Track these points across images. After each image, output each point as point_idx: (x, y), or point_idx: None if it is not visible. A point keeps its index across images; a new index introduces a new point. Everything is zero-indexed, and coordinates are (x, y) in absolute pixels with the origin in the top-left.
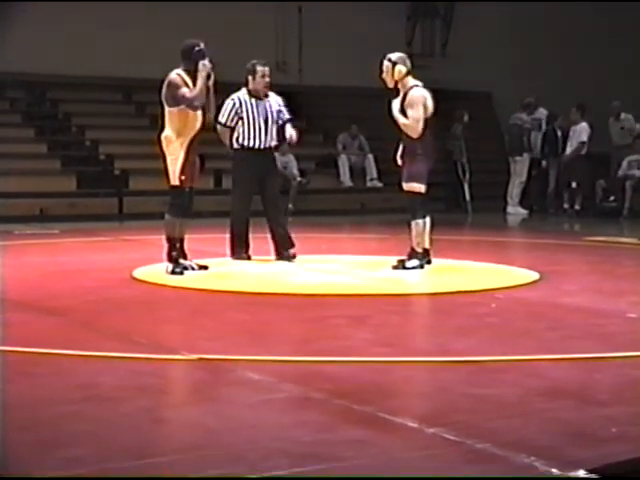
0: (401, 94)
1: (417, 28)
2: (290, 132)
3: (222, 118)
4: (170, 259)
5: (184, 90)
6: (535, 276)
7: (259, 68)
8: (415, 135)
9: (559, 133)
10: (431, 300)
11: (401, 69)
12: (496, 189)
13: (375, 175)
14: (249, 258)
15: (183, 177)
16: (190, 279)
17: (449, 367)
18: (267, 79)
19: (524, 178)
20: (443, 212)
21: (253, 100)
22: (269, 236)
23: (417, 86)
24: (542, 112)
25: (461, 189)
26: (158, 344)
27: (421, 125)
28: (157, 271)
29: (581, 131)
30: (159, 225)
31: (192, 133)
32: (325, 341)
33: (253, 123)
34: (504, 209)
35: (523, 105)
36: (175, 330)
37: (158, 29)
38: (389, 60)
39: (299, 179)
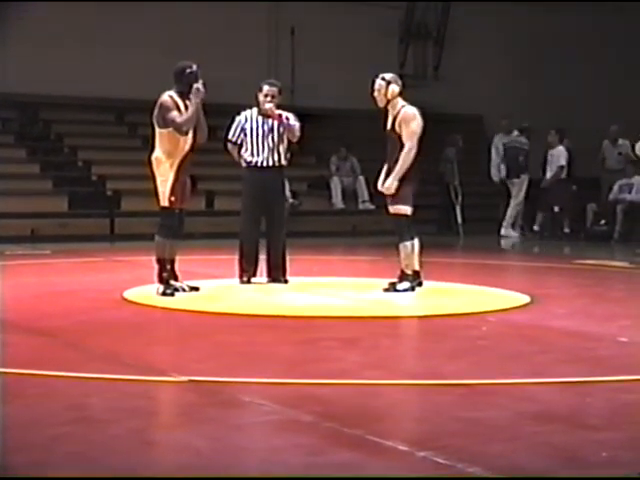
0: (391, 115)
1: (410, 50)
2: (294, 122)
3: (230, 135)
4: (161, 280)
5: (174, 114)
6: (526, 299)
7: (264, 87)
8: (414, 152)
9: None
10: (422, 323)
11: (394, 89)
12: (487, 212)
13: (367, 197)
14: (249, 282)
15: (173, 198)
16: (181, 300)
17: (440, 390)
18: (269, 99)
19: (521, 199)
20: (434, 235)
21: (260, 117)
22: (264, 257)
23: (409, 105)
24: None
25: (453, 212)
26: (148, 366)
27: (416, 140)
28: (148, 292)
29: (559, 155)
30: (150, 246)
31: (182, 154)
32: (316, 363)
33: (257, 139)
34: (498, 232)
35: (520, 129)
36: (165, 352)
37: (151, 50)
38: (383, 79)
39: (291, 201)
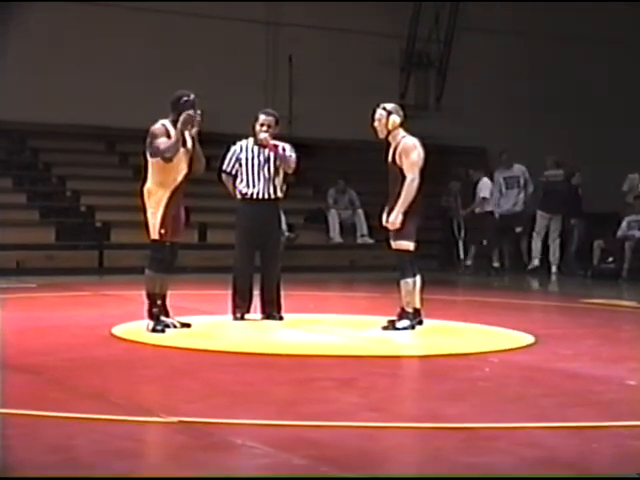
0: (391, 147)
1: (411, 80)
2: (290, 153)
3: (224, 165)
4: (151, 316)
5: (160, 141)
6: (530, 339)
7: (260, 117)
8: (416, 183)
9: (579, 191)
10: (422, 363)
11: (395, 119)
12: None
13: (365, 231)
14: (242, 318)
15: (163, 231)
16: (171, 337)
17: (440, 434)
18: (264, 129)
19: (558, 234)
20: (436, 271)
21: (256, 148)
22: (258, 293)
23: (410, 136)
24: (520, 168)
25: (456, 247)
26: (136, 405)
27: (417, 170)
28: (137, 328)
29: (482, 187)
30: (141, 280)
31: (174, 185)
32: (310, 404)
33: (252, 170)
34: (525, 267)
35: (556, 162)
36: (154, 391)
37: (145, 77)
38: (384, 109)
39: (287, 234)
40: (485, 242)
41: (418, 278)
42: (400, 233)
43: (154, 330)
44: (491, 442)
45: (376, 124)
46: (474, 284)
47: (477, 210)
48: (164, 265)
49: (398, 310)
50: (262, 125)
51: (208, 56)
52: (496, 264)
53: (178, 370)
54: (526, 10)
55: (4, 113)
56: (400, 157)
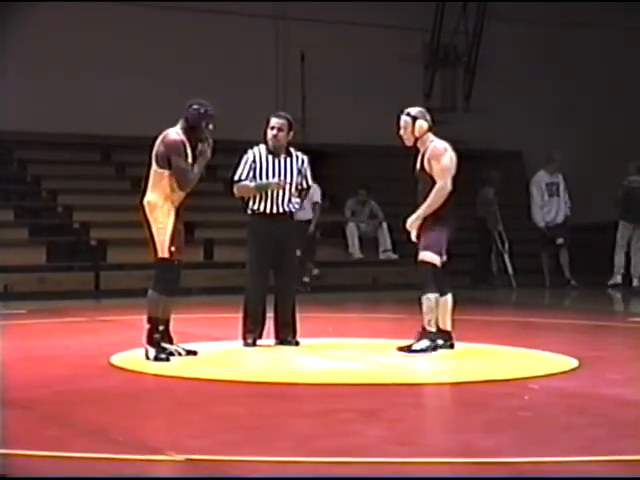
0: (420, 152)
1: (437, 78)
2: (295, 201)
3: (237, 175)
4: (151, 342)
5: (186, 166)
6: (574, 363)
7: (271, 119)
8: (446, 191)
9: None
10: (454, 390)
11: (422, 124)
12: (531, 261)
13: (389, 246)
14: (254, 344)
15: (173, 248)
16: (176, 367)
17: (476, 469)
18: (275, 132)
19: None
20: (467, 288)
21: (270, 157)
22: (272, 316)
23: (439, 140)
24: (559, 175)
25: (502, 261)
26: (140, 442)
27: (449, 178)
28: (138, 357)
29: (314, 192)
30: (141, 304)
31: (180, 199)
32: (331, 438)
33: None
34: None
35: (638, 168)
36: (159, 426)
37: (142, 80)
38: (408, 115)
39: (316, 271)
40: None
41: (450, 297)
42: (427, 244)
43: (157, 359)
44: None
45: (402, 132)
46: (511, 302)
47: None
48: (171, 287)
49: (418, 329)
50: (272, 128)
51: (211, 55)
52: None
53: (184, 403)
54: None
55: None
56: (430, 163)
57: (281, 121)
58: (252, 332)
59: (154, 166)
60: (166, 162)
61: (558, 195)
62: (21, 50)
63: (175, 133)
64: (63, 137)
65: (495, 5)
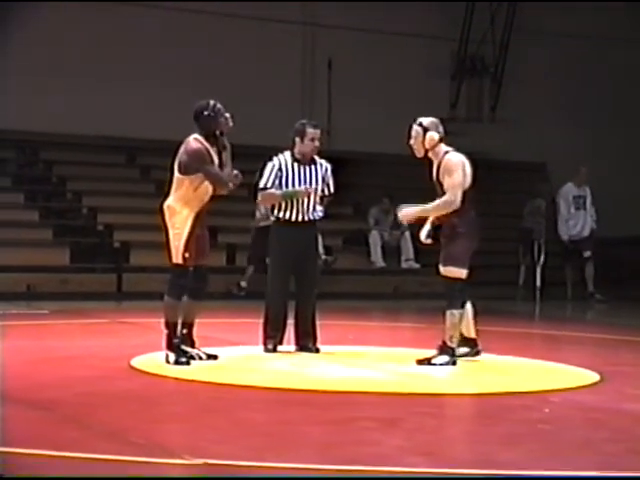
0: (435, 164)
1: (463, 88)
2: (319, 209)
3: (263, 182)
4: (171, 347)
5: (216, 170)
6: (595, 377)
7: (309, 130)
8: (453, 207)
9: None
10: (474, 402)
11: (433, 136)
12: (554, 274)
13: (412, 255)
14: (274, 350)
15: (187, 255)
16: (197, 371)
17: None
18: (317, 143)
19: None
20: (510, 299)
21: (296, 165)
22: (293, 322)
23: (453, 151)
24: (586, 188)
25: (532, 273)
26: (158, 446)
27: (459, 194)
28: (159, 360)
29: None
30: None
31: (201, 204)
32: (350, 447)
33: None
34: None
35: None
36: (178, 430)
37: (168, 83)
38: (420, 125)
39: (324, 257)
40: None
41: (469, 305)
42: (451, 257)
43: (178, 362)
44: None
45: (412, 142)
46: (533, 315)
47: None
48: (193, 292)
49: (439, 343)
50: (312, 139)
51: (238, 61)
52: (243, 283)
53: (204, 407)
54: (592, 9)
55: (15, 123)
56: (443, 176)
57: (319, 132)
58: (272, 338)
59: (176, 172)
60: (190, 169)
61: (585, 208)
62: (49, 52)
63: (196, 141)
64: (89, 139)
65: (523, 16)
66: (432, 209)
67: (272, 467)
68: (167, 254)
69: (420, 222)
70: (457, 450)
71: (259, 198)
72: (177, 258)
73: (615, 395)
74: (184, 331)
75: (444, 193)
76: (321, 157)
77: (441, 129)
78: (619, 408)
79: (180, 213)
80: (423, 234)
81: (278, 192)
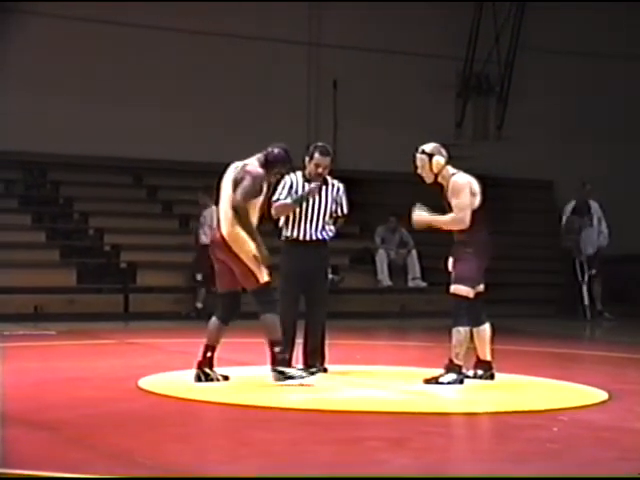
0: (445, 186)
1: (468, 107)
2: (329, 229)
3: (275, 197)
4: (278, 363)
5: (254, 191)
6: (604, 395)
7: (316, 156)
8: (462, 226)
9: None
10: (482, 420)
11: (439, 160)
12: (556, 292)
13: (418, 274)
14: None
15: (267, 270)
16: (203, 391)
17: None
18: (319, 170)
19: None
20: (553, 317)
21: (307, 185)
22: (301, 342)
23: (459, 173)
24: (594, 205)
25: (579, 291)
26: (165, 467)
27: (468, 213)
28: (166, 381)
29: (212, 215)
30: (170, 327)
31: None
32: (358, 467)
33: (300, 211)
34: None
35: None
36: (184, 450)
37: (173, 104)
38: (423, 152)
39: (331, 276)
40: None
41: (487, 326)
42: (459, 276)
43: (287, 377)
44: None
45: (419, 171)
46: (541, 333)
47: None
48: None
49: (446, 361)
50: (317, 166)
51: (243, 81)
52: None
53: (211, 428)
54: (598, 27)
55: (23, 144)
56: (452, 198)
57: (326, 160)
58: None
59: (232, 198)
60: (251, 196)
61: (592, 226)
62: (56, 72)
63: (257, 166)
64: (96, 160)
65: (527, 35)
66: (443, 222)
67: None
68: (246, 282)
69: (426, 230)
70: (466, 469)
71: (273, 211)
72: (262, 278)
73: (624, 414)
74: (208, 354)
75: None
76: (332, 178)
77: (444, 152)
78: (628, 427)
79: (243, 237)
80: (420, 219)
81: (288, 200)
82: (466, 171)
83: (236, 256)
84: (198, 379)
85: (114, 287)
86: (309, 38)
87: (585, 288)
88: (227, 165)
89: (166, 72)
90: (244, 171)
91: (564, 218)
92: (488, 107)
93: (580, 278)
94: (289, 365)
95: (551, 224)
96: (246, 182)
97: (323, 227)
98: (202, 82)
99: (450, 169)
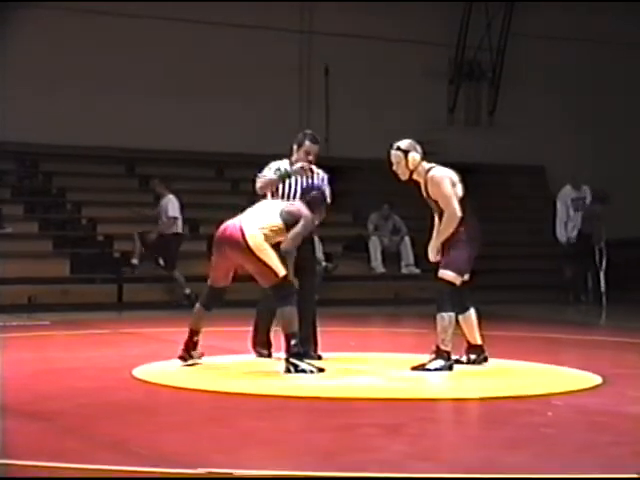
0: (421, 183)
1: (461, 93)
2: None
3: (264, 172)
4: (294, 356)
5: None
6: (597, 380)
7: (306, 144)
8: (457, 217)
9: None
10: (476, 406)
11: (415, 156)
12: (553, 277)
13: (411, 260)
14: (270, 356)
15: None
16: (199, 379)
17: None
18: (310, 158)
19: None
20: (551, 302)
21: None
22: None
23: (435, 167)
24: (586, 189)
25: (596, 278)
26: (160, 456)
27: (456, 204)
28: (161, 370)
29: (167, 205)
30: (163, 316)
31: None
32: (354, 453)
33: (287, 199)
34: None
35: None
36: (180, 439)
37: (165, 93)
38: (399, 149)
39: (324, 264)
40: (162, 262)
41: (473, 311)
42: (448, 262)
43: (298, 370)
44: None
45: (395, 168)
46: (533, 318)
47: (166, 232)
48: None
49: (433, 348)
50: (307, 154)
51: (235, 69)
52: (187, 291)
53: (206, 416)
54: (591, 13)
55: (14, 134)
56: (433, 192)
57: (316, 149)
58: (263, 344)
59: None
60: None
61: (583, 210)
62: (48, 62)
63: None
64: (88, 150)
65: (519, 21)
66: (444, 230)
67: (275, 475)
68: (267, 278)
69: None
70: (461, 455)
71: (258, 185)
72: (281, 272)
73: (618, 398)
74: (195, 339)
75: (440, 208)
76: (320, 164)
77: (419, 148)
78: (622, 411)
79: (261, 237)
80: (432, 253)
81: (274, 176)
82: (444, 165)
83: (256, 256)
84: (183, 359)
85: (108, 277)
86: (301, 25)
87: (602, 275)
88: (222, 154)
89: (158, 61)
90: (299, 212)
91: (560, 206)
92: (480, 93)
93: (598, 265)
94: (255, 350)
95: (544, 209)
96: (300, 229)
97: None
98: (195, 71)
99: (425, 165)
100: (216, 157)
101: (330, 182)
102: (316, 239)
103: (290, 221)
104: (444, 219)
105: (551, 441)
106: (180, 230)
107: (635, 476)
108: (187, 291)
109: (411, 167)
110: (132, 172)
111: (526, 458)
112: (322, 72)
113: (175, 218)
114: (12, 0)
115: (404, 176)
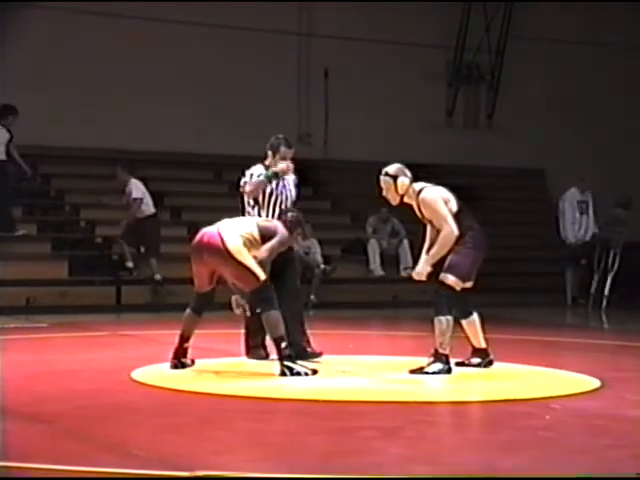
0: (414, 205)
1: (459, 95)
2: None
3: (243, 182)
4: (285, 359)
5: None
6: (596, 383)
7: (282, 149)
8: (454, 235)
9: None
10: (475, 409)
11: (404, 181)
12: (554, 280)
13: (410, 263)
14: (267, 357)
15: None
16: (197, 382)
17: None
18: (291, 163)
19: None
20: (552, 306)
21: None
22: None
23: (425, 188)
24: (588, 194)
25: (602, 281)
26: (159, 458)
27: (452, 222)
28: (159, 372)
29: (131, 189)
30: (161, 318)
31: None
32: (353, 456)
33: (268, 204)
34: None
35: None
36: (179, 441)
37: (164, 94)
38: (386, 174)
39: (323, 267)
40: (144, 249)
41: (475, 315)
42: (451, 266)
43: (293, 373)
44: None
45: (384, 193)
46: (532, 321)
47: (137, 216)
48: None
49: (431, 351)
50: (284, 159)
51: (234, 71)
52: (158, 277)
53: (205, 418)
54: (590, 14)
55: (13, 136)
56: (428, 214)
57: (292, 153)
58: (258, 347)
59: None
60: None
61: (587, 214)
62: (46, 64)
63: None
64: (87, 152)
65: (518, 23)
66: (440, 250)
67: (273, 478)
68: (248, 281)
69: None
70: (459, 457)
71: (248, 188)
72: (261, 276)
73: (616, 401)
74: (185, 344)
75: (432, 225)
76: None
77: (408, 173)
78: (620, 414)
79: (242, 246)
80: (423, 271)
81: (261, 178)
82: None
83: (236, 260)
84: (175, 367)
85: (106, 279)
86: (300, 28)
87: (610, 278)
88: (220, 157)
89: (156, 63)
90: (275, 228)
91: (566, 206)
92: (479, 96)
93: (610, 268)
94: (247, 354)
95: (543, 212)
96: (276, 242)
97: (279, 215)
98: (193, 73)
99: (416, 186)
100: (215, 159)
101: (328, 184)
102: (315, 242)
103: (266, 235)
104: (439, 239)
105: (549, 444)
106: (152, 211)
107: (635, 475)
108: (157, 277)
109: (401, 192)
110: (130, 174)
111: (524, 461)
112: (321, 74)
113: (140, 200)
114: (13, 0)
115: (394, 201)
